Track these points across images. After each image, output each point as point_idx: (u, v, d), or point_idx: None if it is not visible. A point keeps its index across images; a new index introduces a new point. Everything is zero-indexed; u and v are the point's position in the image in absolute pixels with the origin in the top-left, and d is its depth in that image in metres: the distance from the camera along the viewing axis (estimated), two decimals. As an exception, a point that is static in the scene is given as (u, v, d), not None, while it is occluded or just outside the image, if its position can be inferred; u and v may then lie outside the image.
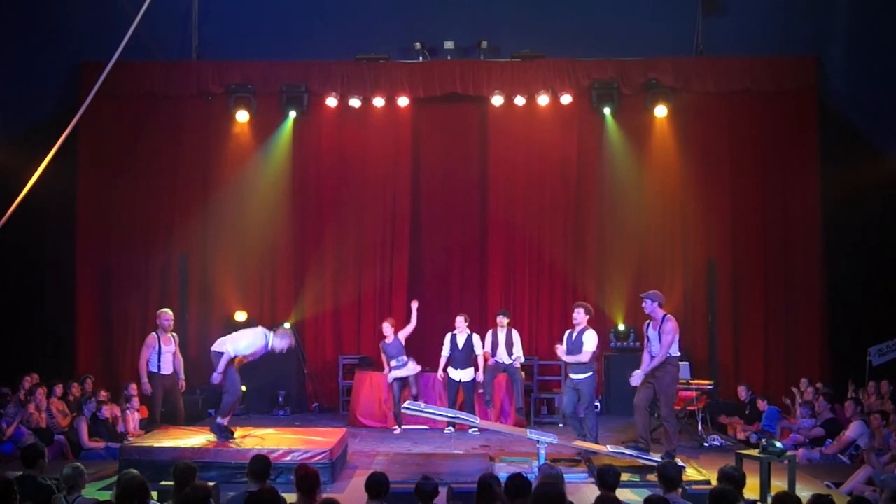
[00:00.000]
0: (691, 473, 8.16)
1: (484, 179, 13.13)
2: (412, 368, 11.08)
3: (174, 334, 10.14)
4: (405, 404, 9.39)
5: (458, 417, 9.48)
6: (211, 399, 12.27)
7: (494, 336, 11.10)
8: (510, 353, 10.95)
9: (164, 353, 9.85)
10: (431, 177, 13.20)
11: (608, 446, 8.74)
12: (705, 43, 12.66)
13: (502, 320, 11.12)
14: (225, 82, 12.81)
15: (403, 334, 11.08)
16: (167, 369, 9.89)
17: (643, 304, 8.98)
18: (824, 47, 12.36)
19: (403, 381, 11.08)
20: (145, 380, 9.83)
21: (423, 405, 9.52)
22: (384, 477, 5.54)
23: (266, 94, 12.90)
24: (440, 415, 9.49)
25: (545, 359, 12.61)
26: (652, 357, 8.77)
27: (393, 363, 11.01)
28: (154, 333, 9.99)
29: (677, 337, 8.73)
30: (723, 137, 12.79)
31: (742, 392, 11.25)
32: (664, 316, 8.81)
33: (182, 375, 10.09)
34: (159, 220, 12.95)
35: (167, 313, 10.03)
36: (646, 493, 5.86)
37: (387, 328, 11.15)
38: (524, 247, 13.08)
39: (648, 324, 8.94)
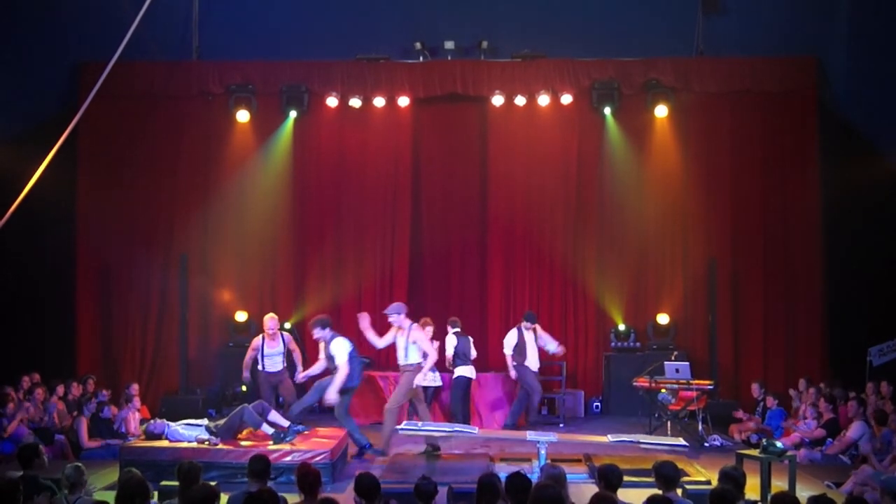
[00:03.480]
0: (691, 473, 8.17)
1: (484, 179, 13.13)
2: (435, 380, 11.07)
3: (285, 333, 10.87)
4: (402, 424, 9.31)
5: (455, 431, 9.45)
6: (211, 399, 12.29)
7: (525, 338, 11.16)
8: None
9: (269, 355, 10.45)
10: (432, 177, 13.20)
11: (609, 436, 8.77)
12: (705, 43, 12.64)
13: (529, 325, 11.20)
14: (225, 82, 12.81)
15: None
16: (272, 367, 10.47)
17: (390, 320, 9.43)
18: (824, 47, 12.35)
19: (425, 389, 11.01)
20: (245, 374, 10.58)
21: (419, 423, 9.48)
22: (374, 478, 5.47)
23: (266, 94, 12.90)
24: (439, 431, 9.43)
25: (545, 359, 12.58)
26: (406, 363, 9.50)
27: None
28: (259, 336, 10.56)
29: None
30: (723, 137, 12.78)
31: (755, 389, 11.23)
32: (411, 324, 9.38)
33: (300, 367, 10.31)
34: (159, 221, 12.95)
35: (269, 319, 10.54)
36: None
37: (428, 330, 11.20)
38: (524, 247, 13.09)
39: (397, 334, 9.42)
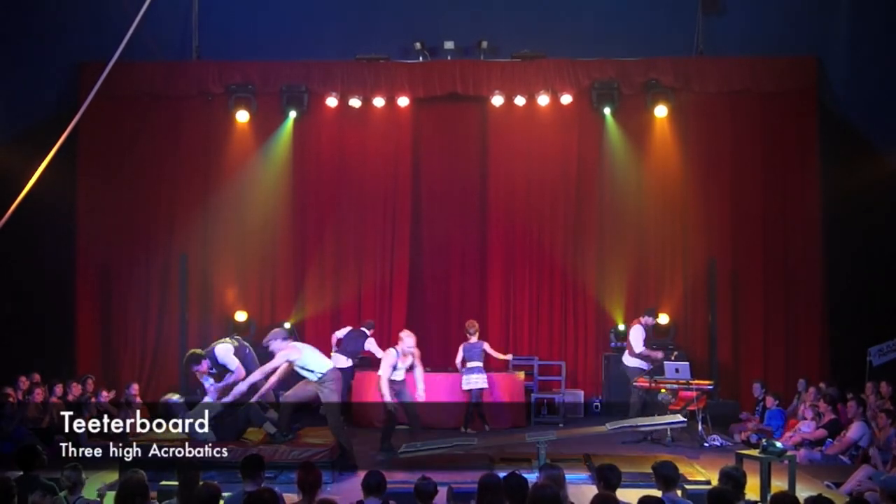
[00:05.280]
0: (691, 473, 8.18)
1: (484, 179, 13.13)
2: (478, 382, 11.08)
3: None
4: (402, 447, 9.25)
5: (455, 445, 9.39)
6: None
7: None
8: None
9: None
10: (431, 177, 13.20)
11: (607, 425, 8.76)
12: (705, 43, 12.65)
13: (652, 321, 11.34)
14: (225, 82, 12.81)
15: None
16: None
17: (271, 350, 8.89)
18: (824, 47, 12.36)
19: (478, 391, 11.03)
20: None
21: (418, 444, 9.41)
22: (381, 476, 5.53)
23: (266, 94, 12.90)
24: (439, 447, 9.34)
25: (545, 359, 12.61)
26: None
27: (471, 364, 11.01)
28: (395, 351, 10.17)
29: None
30: (723, 137, 12.78)
31: (756, 389, 11.23)
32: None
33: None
34: (159, 221, 12.95)
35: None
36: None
37: (473, 332, 11.22)
38: (524, 247, 13.08)
39: None
